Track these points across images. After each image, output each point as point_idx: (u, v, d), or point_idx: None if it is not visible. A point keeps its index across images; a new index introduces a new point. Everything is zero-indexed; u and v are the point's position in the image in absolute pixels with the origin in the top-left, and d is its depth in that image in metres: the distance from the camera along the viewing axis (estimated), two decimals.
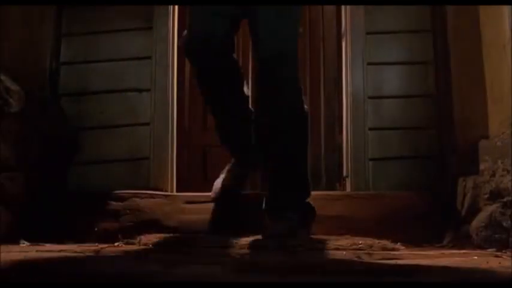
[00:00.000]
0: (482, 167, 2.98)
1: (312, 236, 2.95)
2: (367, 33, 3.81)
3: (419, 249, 2.91)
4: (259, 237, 2.77)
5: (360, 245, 2.92)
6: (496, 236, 2.71)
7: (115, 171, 3.74)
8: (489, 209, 2.79)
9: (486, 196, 2.87)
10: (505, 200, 2.72)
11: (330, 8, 5.45)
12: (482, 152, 3.02)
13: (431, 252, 2.66)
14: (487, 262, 2.20)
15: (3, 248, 2.37)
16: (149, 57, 3.88)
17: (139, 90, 3.86)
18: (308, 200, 3.00)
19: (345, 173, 3.89)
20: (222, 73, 2.86)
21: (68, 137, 3.74)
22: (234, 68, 2.98)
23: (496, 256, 2.41)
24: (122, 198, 3.45)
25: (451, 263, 2.15)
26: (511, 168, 2.68)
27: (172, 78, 3.90)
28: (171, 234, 3.08)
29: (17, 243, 2.90)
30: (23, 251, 2.52)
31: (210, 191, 3.37)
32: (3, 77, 3.12)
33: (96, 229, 3.32)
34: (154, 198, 3.49)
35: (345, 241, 2.75)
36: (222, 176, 3.34)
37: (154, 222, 3.32)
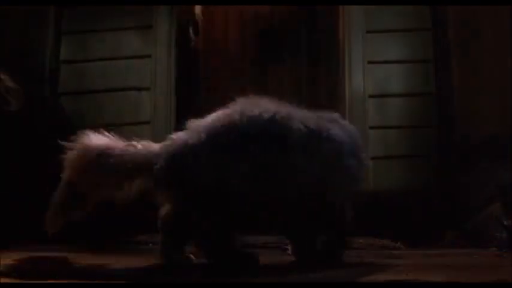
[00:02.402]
0: (483, 165, 2.98)
1: None
2: (367, 32, 3.81)
3: (419, 248, 2.91)
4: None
5: (361, 244, 2.92)
6: (497, 235, 2.71)
7: None
8: (490, 208, 2.79)
9: (487, 195, 2.87)
10: (506, 199, 2.72)
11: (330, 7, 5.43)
12: (483, 151, 3.02)
13: (432, 252, 2.65)
14: (488, 261, 2.20)
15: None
16: (149, 56, 3.88)
17: (140, 89, 3.86)
18: None
19: None
20: None
21: (67, 136, 3.72)
22: None
23: (497, 255, 2.41)
24: None
25: (451, 262, 2.15)
26: None
27: (172, 77, 3.89)
28: None
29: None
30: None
31: None
32: (3, 76, 3.12)
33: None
34: None
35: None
36: None
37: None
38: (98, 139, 1.99)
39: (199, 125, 1.94)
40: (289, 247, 2.16)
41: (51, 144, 3.52)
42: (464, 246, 2.86)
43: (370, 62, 3.78)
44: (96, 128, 3.74)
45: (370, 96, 3.75)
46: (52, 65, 3.86)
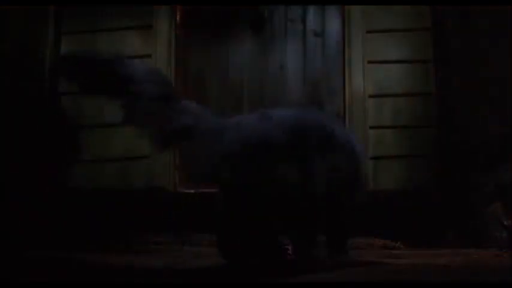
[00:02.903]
0: (482, 165, 2.98)
1: None
2: (367, 32, 3.81)
3: (419, 248, 2.91)
4: None
5: (361, 244, 2.92)
6: (497, 234, 2.71)
7: (115, 169, 3.73)
8: (490, 208, 2.79)
9: (487, 195, 2.87)
10: (505, 198, 2.72)
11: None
12: (482, 151, 3.02)
13: (432, 252, 2.65)
14: (488, 261, 2.19)
15: None
16: (149, 56, 3.88)
17: None
18: None
19: None
20: None
21: (67, 136, 3.73)
22: None
23: (497, 255, 2.41)
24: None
25: (451, 262, 2.15)
26: None
27: (172, 77, 3.89)
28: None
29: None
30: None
31: None
32: (4, 77, 3.12)
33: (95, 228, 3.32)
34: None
35: None
36: None
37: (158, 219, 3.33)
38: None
39: (271, 121, 1.92)
40: (289, 247, 2.16)
41: (51, 144, 3.53)
42: (464, 246, 2.86)
43: (370, 62, 3.78)
44: (95, 127, 3.74)
45: (370, 96, 3.75)
46: (52, 64, 3.86)
